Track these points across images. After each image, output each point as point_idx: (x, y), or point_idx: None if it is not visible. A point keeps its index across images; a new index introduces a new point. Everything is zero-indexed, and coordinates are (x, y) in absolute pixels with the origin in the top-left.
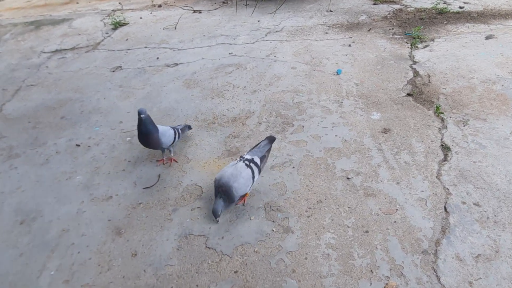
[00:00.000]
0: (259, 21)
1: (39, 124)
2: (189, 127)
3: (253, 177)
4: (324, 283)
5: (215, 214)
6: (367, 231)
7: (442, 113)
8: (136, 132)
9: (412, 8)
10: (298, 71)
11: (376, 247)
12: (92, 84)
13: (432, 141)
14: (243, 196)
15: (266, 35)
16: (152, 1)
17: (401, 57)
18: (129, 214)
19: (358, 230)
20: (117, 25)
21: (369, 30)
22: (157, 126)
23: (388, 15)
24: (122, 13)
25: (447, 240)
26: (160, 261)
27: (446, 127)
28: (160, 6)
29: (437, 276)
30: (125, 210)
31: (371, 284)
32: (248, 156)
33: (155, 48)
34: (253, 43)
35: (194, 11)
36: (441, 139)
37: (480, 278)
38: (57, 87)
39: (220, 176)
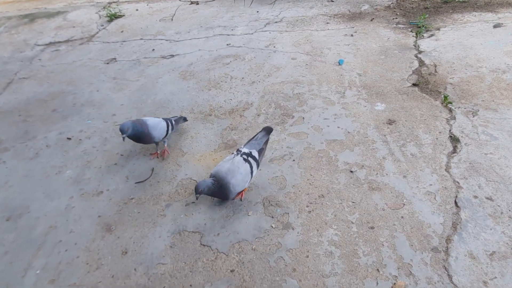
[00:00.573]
0: (258, 11)
1: (29, 118)
2: (185, 119)
3: (252, 172)
4: (326, 282)
5: (196, 190)
6: (372, 227)
7: (450, 103)
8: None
9: None
10: (299, 62)
11: (383, 244)
12: (86, 76)
13: (440, 132)
14: (241, 191)
15: (265, 26)
16: None
17: (406, 47)
18: (120, 210)
19: (363, 226)
20: (113, 17)
21: (371, 20)
22: (147, 119)
23: (391, 5)
24: (117, 5)
25: (459, 236)
26: (152, 259)
27: (454, 118)
28: None
29: (448, 275)
30: (116, 206)
31: (377, 283)
32: (245, 150)
33: (150, 40)
34: (252, 34)
35: (192, 3)
36: (450, 130)
37: (496, 277)
38: (50, 79)
39: (216, 171)
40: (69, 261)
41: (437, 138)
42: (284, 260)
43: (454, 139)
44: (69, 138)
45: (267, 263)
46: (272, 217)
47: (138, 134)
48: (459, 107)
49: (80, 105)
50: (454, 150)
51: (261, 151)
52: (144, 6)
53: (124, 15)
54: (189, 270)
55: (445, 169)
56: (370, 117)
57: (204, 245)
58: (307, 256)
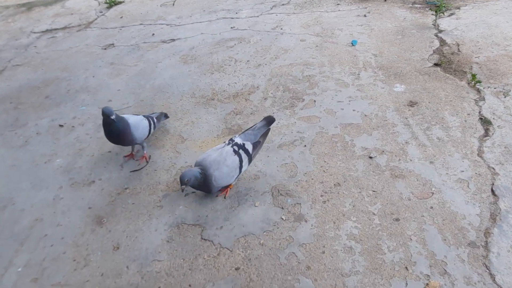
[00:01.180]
0: None
1: (21, 105)
2: (166, 116)
3: (240, 167)
4: (346, 282)
5: (181, 180)
6: (397, 219)
7: (479, 82)
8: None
9: None
10: (308, 43)
11: (410, 239)
12: (82, 62)
13: (468, 114)
14: (226, 187)
15: (271, 8)
16: None
17: (424, 26)
18: (112, 200)
19: (386, 218)
20: (112, 3)
21: (385, 0)
22: (127, 117)
23: None
24: None
25: (499, 229)
26: (147, 255)
27: (483, 99)
28: None
29: (490, 274)
30: (108, 196)
31: (407, 284)
32: (239, 140)
33: (151, 25)
34: (257, 16)
35: None
36: (479, 112)
37: None
38: (44, 66)
39: (201, 160)
40: (54, 257)
41: (465, 121)
42: (296, 256)
43: (485, 121)
44: (61, 125)
45: (277, 260)
46: (282, 208)
47: (120, 125)
48: (488, 87)
49: (75, 91)
50: (486, 133)
51: (256, 145)
52: None
53: (123, 1)
54: (188, 267)
55: (478, 154)
56: (389, 99)
57: (205, 240)
58: (323, 252)
